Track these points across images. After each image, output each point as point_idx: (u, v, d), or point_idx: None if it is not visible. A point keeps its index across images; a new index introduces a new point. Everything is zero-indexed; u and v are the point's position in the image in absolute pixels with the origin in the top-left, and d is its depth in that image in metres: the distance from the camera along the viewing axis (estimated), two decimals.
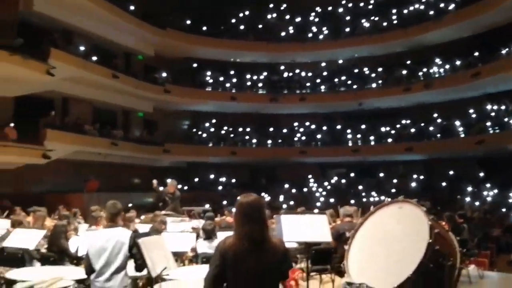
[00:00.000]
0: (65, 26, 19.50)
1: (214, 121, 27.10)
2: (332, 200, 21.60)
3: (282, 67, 27.58)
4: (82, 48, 20.18)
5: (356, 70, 26.29)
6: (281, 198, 23.71)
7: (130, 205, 15.34)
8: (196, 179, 25.60)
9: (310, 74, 27.28)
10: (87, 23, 19.75)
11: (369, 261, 4.11)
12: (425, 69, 24.12)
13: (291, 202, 22.34)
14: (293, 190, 25.02)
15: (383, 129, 25.07)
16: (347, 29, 25.95)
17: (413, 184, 23.36)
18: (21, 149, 16.11)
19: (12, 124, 16.82)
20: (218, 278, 2.84)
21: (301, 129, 26.96)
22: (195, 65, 26.59)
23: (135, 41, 22.88)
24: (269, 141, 26.27)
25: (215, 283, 2.86)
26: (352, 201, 19.93)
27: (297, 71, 27.50)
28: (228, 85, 26.59)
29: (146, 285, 4.24)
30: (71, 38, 20.19)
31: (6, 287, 4.37)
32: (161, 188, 11.17)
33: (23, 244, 5.59)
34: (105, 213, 4.80)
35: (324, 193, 24.51)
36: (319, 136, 26.34)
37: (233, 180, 25.90)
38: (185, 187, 22.14)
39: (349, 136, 25.67)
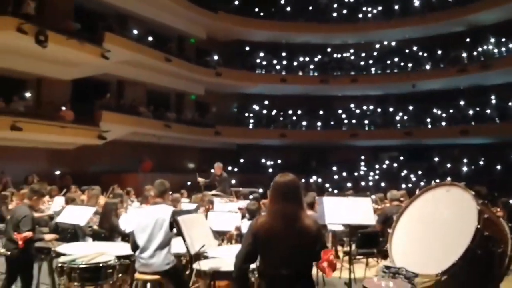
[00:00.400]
0: (119, 10, 20.01)
1: (264, 103, 27.08)
2: (383, 184, 21.18)
3: (333, 49, 27.05)
4: (136, 32, 20.67)
5: (409, 51, 25.44)
6: (331, 181, 23.51)
7: (189, 183, 15.74)
8: (246, 161, 25.81)
9: (362, 55, 26.62)
10: (141, 7, 20.15)
11: (413, 245, 4.01)
12: (482, 49, 22.95)
13: (341, 185, 22.11)
14: (344, 174, 24.73)
15: (437, 111, 24.16)
16: (400, 9, 25.06)
17: (468, 169, 22.45)
18: (77, 130, 16.85)
19: (68, 106, 17.61)
20: (249, 255, 2.86)
21: (352, 112, 26.45)
22: (246, 47, 26.58)
23: (188, 24, 23.16)
24: (320, 124, 26.00)
25: (246, 260, 2.88)
26: (403, 185, 19.45)
27: (349, 52, 26.91)
28: (278, 67, 26.44)
29: (190, 263, 4.33)
30: (125, 23, 20.71)
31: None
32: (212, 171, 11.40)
33: (74, 220, 5.86)
34: (153, 191, 4.93)
35: (375, 177, 24.06)
36: (370, 118, 25.79)
37: (283, 163, 25.91)
38: (235, 169, 22.39)
39: (402, 118, 24.97)
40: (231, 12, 24.81)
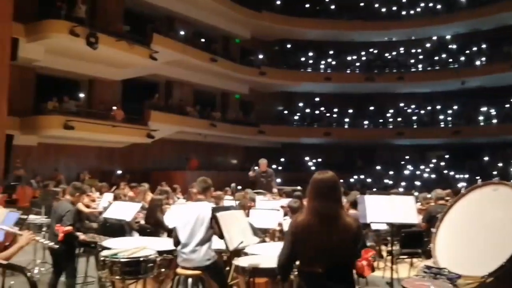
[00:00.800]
0: (167, 12, 20.50)
1: (308, 102, 26.96)
2: (430, 183, 20.57)
3: (379, 46, 26.55)
4: (182, 33, 21.12)
5: (457, 47, 24.62)
6: (376, 180, 23.10)
7: (233, 184, 15.83)
8: (289, 160, 25.80)
9: (408, 52, 25.98)
10: (187, 9, 20.58)
11: (458, 245, 3.88)
12: None
13: (386, 185, 21.67)
14: (390, 173, 24.22)
15: (487, 109, 23.25)
16: (447, 4, 24.29)
17: None
18: (127, 129, 17.43)
19: (118, 106, 18.23)
20: (290, 254, 2.85)
21: (399, 110, 25.87)
22: (290, 46, 26.55)
23: (232, 24, 23.42)
24: (365, 122, 25.63)
25: (287, 259, 2.88)
26: (451, 186, 18.78)
27: (395, 49, 26.33)
28: (323, 65, 26.25)
29: (231, 259, 4.39)
30: (172, 24, 21.22)
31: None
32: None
33: (121, 216, 6.06)
34: (196, 188, 5.02)
35: (422, 176, 23.43)
36: (417, 116, 25.19)
37: (326, 161, 25.70)
38: (279, 168, 22.43)
39: (449, 116, 24.24)
40: (275, 12, 24.87)
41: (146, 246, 4.30)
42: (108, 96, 18.53)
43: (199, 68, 20.95)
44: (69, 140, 16.46)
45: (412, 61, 25.57)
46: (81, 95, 18.24)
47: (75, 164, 16.95)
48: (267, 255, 4.20)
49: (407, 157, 25.19)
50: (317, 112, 26.56)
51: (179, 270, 4.39)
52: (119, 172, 17.94)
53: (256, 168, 10.62)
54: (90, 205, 8.24)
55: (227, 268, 4.54)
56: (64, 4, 15.34)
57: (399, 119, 25.38)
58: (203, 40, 22.37)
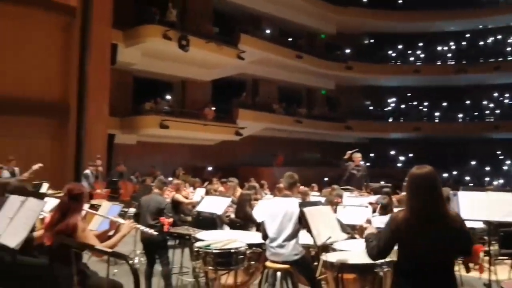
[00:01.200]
0: (253, 12, 20.91)
1: (397, 96, 26.13)
2: None
3: (472, 35, 24.95)
4: (268, 32, 21.44)
5: None
6: (471, 176, 21.81)
7: (326, 179, 15.87)
8: (377, 156, 25.17)
9: (505, 40, 24.09)
10: (273, 8, 20.86)
11: None
12: None
13: (482, 181, 20.38)
14: (486, 168, 22.73)
15: None
16: None
17: None
18: (217, 127, 18.14)
19: (209, 106, 18.97)
20: (386, 251, 2.84)
21: (495, 102, 24.18)
22: (376, 39, 25.87)
23: (317, 21, 23.35)
24: (458, 116, 24.38)
25: (381, 255, 2.88)
26: None
27: (490, 37, 24.58)
28: (411, 58, 25.32)
29: (318, 254, 4.42)
30: (259, 23, 21.61)
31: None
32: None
33: (212, 209, 6.36)
34: (283, 183, 5.10)
35: None
36: None
37: (415, 157, 24.75)
38: (367, 164, 21.93)
39: None
40: (361, 5, 24.35)
41: (237, 239, 4.46)
42: (199, 96, 19.38)
43: (284, 65, 21.13)
44: (164, 138, 17.45)
45: (509, 49, 23.69)
46: (174, 96, 19.24)
47: (170, 161, 17.92)
48: (356, 251, 4.18)
49: (504, 152, 23.47)
50: (405, 106, 25.61)
51: (268, 264, 4.48)
52: (210, 168, 18.68)
53: (350, 162, 10.47)
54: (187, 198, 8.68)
55: (315, 263, 4.59)
56: (157, 9, 16.26)
57: (496, 111, 23.71)
58: (288, 37, 22.54)
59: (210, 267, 4.19)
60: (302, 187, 7.86)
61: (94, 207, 5.41)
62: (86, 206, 4.31)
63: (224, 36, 18.34)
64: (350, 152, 10.63)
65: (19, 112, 11.77)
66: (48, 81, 12.96)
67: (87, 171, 11.42)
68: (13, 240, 3.37)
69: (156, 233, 4.33)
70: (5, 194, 4.31)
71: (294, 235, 4.40)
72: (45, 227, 3.70)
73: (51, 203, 4.72)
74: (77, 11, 13.18)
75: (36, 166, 9.02)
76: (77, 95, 13.01)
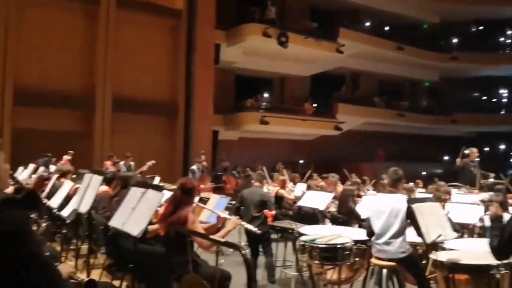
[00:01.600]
0: (351, 5, 20.49)
1: (509, 86, 24.03)
2: None
3: None
4: (367, 24, 20.92)
5: None
6: None
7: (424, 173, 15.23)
8: (487, 150, 23.41)
9: None
10: (372, 0, 20.24)
11: None
12: None
13: None
14: None
15: None
16: None
17: None
18: (316, 122, 18.17)
19: (308, 101, 19.03)
20: (508, 246, 2.73)
21: None
22: (485, 27, 24.01)
23: (419, 10, 22.21)
24: None
25: (503, 249, 2.78)
26: None
27: None
28: None
29: (426, 253, 4.29)
30: (357, 16, 21.15)
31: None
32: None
33: (314, 204, 6.41)
34: (387, 179, 5.00)
35: None
36: None
37: None
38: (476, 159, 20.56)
39: None
40: None
41: (341, 234, 4.47)
42: (298, 92, 19.52)
43: (384, 57, 20.49)
44: (264, 134, 17.85)
45: None
46: (273, 92, 19.58)
47: (269, 156, 18.26)
48: (468, 251, 4.01)
49: None
50: None
51: (373, 260, 4.43)
52: (301, 161, 18.71)
53: (464, 158, 9.95)
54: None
55: (423, 262, 4.46)
56: (256, 8, 16.65)
57: None
58: (388, 29, 21.79)
59: (316, 261, 4.20)
60: (409, 184, 7.61)
61: (203, 200, 5.73)
62: (196, 199, 4.58)
63: (322, 31, 18.24)
64: (459, 159, 10.08)
65: (135, 111, 12.83)
66: (159, 81, 13.92)
67: (194, 167, 12.07)
68: (135, 229, 3.64)
69: (259, 232, 4.47)
70: (127, 187, 4.74)
71: (401, 232, 4.29)
72: (159, 219, 3.96)
73: (165, 195, 5.11)
74: (183, 13, 13.95)
75: (150, 163, 9.79)
76: (184, 94, 13.83)
